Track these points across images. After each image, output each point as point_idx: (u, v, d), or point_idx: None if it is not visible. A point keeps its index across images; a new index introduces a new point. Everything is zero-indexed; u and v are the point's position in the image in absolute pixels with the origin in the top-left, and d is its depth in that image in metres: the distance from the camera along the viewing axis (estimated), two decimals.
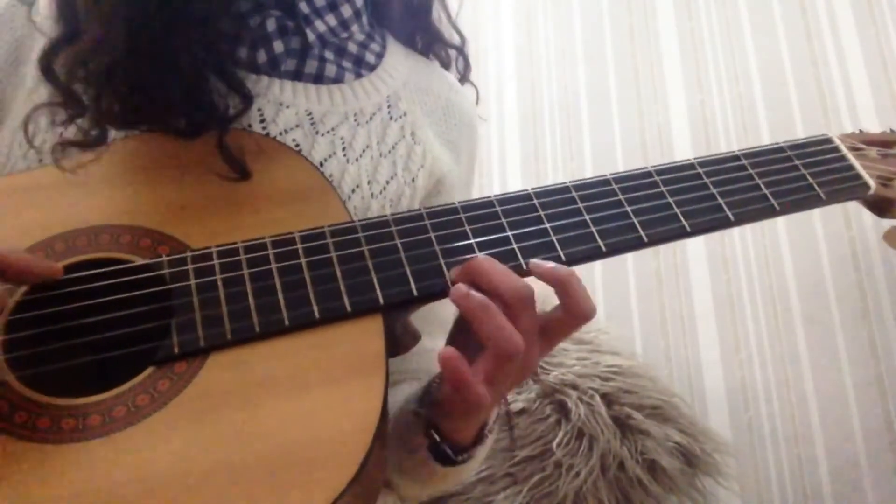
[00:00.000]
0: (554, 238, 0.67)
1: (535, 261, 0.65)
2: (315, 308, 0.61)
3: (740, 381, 1.56)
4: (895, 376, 1.43)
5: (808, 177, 0.75)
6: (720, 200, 0.71)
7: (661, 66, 1.88)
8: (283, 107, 0.78)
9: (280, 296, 0.61)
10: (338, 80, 0.82)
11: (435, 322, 0.83)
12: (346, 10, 0.83)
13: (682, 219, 0.70)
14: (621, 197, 0.70)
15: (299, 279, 0.62)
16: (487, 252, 0.65)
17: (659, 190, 0.71)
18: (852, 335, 1.49)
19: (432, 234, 0.66)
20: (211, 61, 0.71)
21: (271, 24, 0.78)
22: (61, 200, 0.66)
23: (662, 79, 1.87)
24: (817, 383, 1.49)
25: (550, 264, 0.64)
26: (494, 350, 0.60)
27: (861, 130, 0.84)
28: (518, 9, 2.13)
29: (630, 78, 1.91)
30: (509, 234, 0.67)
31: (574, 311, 0.63)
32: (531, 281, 0.63)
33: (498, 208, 0.68)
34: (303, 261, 0.63)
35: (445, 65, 0.98)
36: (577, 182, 0.71)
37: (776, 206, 0.72)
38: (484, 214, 0.68)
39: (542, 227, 0.68)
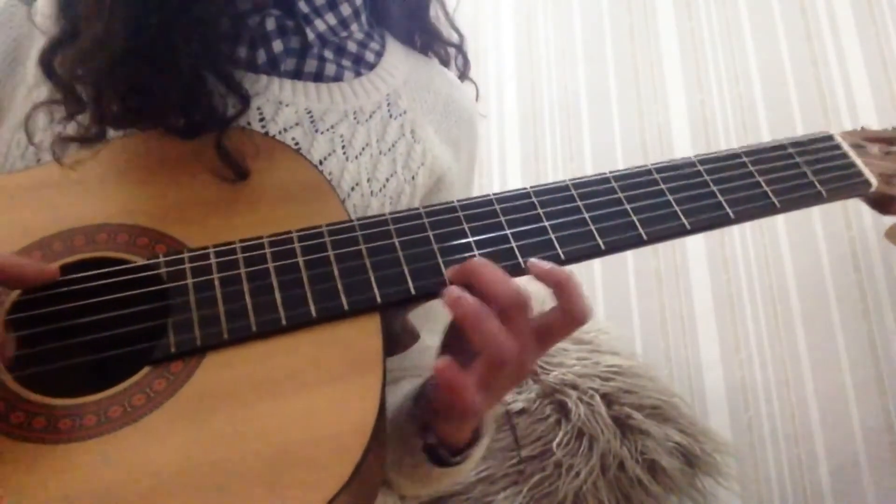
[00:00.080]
0: (553, 236, 0.67)
1: (533, 260, 0.64)
2: (312, 307, 0.61)
3: (740, 381, 1.56)
4: (895, 376, 1.43)
5: (810, 174, 0.75)
6: (720, 198, 0.71)
7: (661, 66, 1.88)
8: (283, 105, 0.78)
9: (277, 295, 0.61)
10: (337, 78, 0.82)
11: (434, 319, 0.83)
12: (346, 9, 0.83)
13: (681, 216, 0.69)
14: (621, 195, 0.70)
15: (296, 278, 0.62)
16: (486, 251, 0.65)
17: (659, 188, 0.71)
18: (852, 335, 1.49)
19: (430, 233, 0.66)
20: (209, 61, 0.71)
21: (271, 24, 0.78)
22: (59, 200, 0.66)
23: (662, 79, 1.87)
24: (817, 383, 1.49)
25: (549, 265, 0.64)
26: (487, 356, 0.60)
27: (863, 127, 0.83)
28: (518, 9, 2.13)
29: (630, 78, 1.91)
30: (507, 232, 0.67)
31: (571, 314, 0.63)
32: (529, 280, 0.63)
33: (496, 206, 0.68)
34: (300, 260, 0.63)
35: (444, 63, 0.98)
36: (576, 180, 0.71)
37: (777, 203, 0.72)
38: (482, 213, 0.68)
39: (540, 225, 0.67)
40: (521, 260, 0.65)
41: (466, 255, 0.65)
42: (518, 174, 1.96)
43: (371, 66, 0.86)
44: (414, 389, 0.75)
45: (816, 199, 0.74)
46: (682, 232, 0.69)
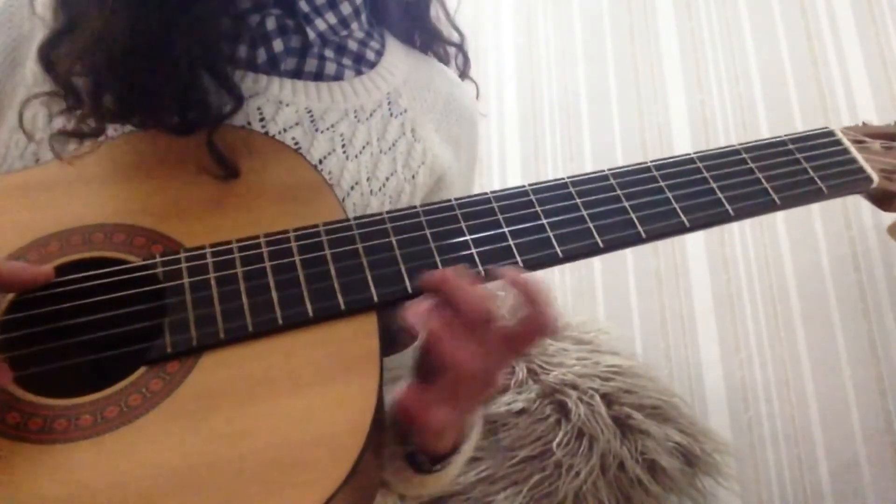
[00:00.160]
0: (551, 234, 0.67)
1: (505, 268, 0.64)
2: (309, 307, 0.61)
3: (740, 381, 1.55)
4: (895, 376, 1.43)
5: (810, 170, 0.74)
6: (720, 195, 0.71)
7: (661, 66, 1.88)
8: (283, 105, 0.77)
9: (274, 294, 0.61)
10: (338, 77, 0.82)
11: None
12: (346, 8, 0.83)
13: (680, 214, 0.69)
14: (619, 192, 0.70)
15: (293, 277, 0.62)
16: (483, 249, 0.65)
17: (657, 185, 0.71)
18: (852, 335, 1.49)
19: (427, 232, 0.66)
20: (206, 60, 0.71)
21: (271, 23, 0.78)
22: (56, 200, 0.65)
23: (662, 79, 1.86)
24: (817, 383, 1.49)
25: (519, 273, 0.63)
26: (450, 372, 0.59)
27: (864, 123, 0.83)
28: (518, 9, 2.13)
29: (630, 78, 1.91)
30: (505, 230, 0.67)
31: (538, 324, 0.62)
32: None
33: (494, 205, 0.68)
34: (297, 259, 0.63)
35: (444, 62, 0.98)
36: (575, 178, 0.71)
37: (777, 200, 0.72)
38: (480, 211, 0.68)
39: (538, 223, 0.67)
40: (519, 259, 0.65)
41: (464, 253, 0.65)
42: (518, 174, 1.96)
43: (371, 65, 0.86)
44: (392, 398, 0.74)
45: (817, 196, 0.73)
46: (682, 229, 0.69)
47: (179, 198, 0.67)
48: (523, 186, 0.70)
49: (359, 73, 0.84)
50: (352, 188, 0.79)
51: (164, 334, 0.59)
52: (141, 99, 0.69)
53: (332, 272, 0.63)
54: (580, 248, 0.67)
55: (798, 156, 0.75)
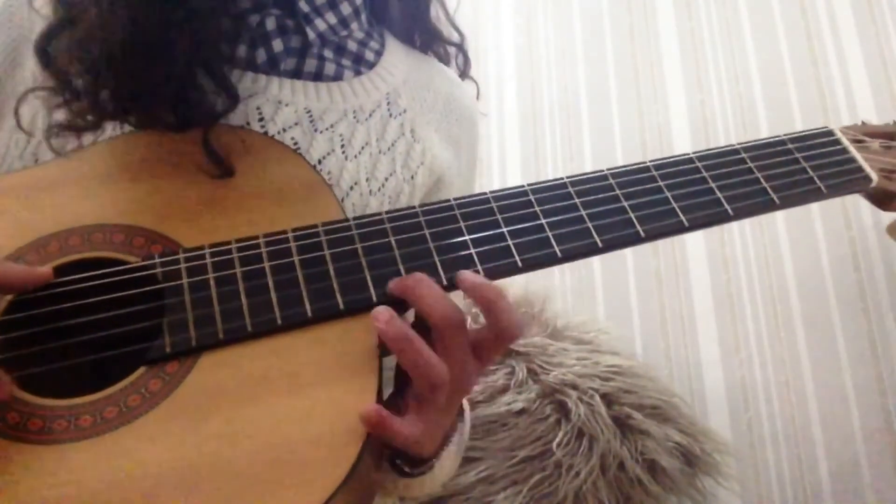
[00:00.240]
0: (549, 234, 0.66)
1: (463, 274, 0.63)
2: (308, 307, 0.61)
3: (740, 381, 1.55)
4: (895, 376, 1.43)
5: (809, 170, 0.74)
6: (719, 194, 0.71)
7: (661, 66, 1.88)
8: (282, 105, 0.77)
9: (273, 294, 0.61)
10: (337, 77, 0.82)
11: None
12: (346, 8, 0.82)
13: (679, 213, 0.69)
14: (618, 192, 0.70)
15: (292, 278, 0.62)
16: (482, 249, 0.65)
17: (656, 185, 0.71)
18: (852, 335, 1.49)
19: (426, 232, 0.66)
20: (202, 58, 0.71)
21: (271, 23, 0.78)
22: (55, 200, 0.65)
23: (662, 79, 1.87)
24: (817, 383, 1.49)
25: (477, 279, 0.63)
26: (418, 381, 0.59)
27: (863, 122, 0.83)
28: (518, 9, 2.13)
29: (630, 78, 1.91)
30: (504, 230, 0.66)
31: (500, 330, 0.62)
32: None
33: (493, 205, 0.68)
34: (296, 259, 0.63)
35: (444, 62, 0.98)
36: (574, 177, 0.71)
37: (776, 199, 0.72)
38: (479, 211, 0.68)
39: (537, 223, 0.67)
40: (518, 258, 0.65)
41: (463, 253, 0.65)
42: (518, 174, 1.96)
43: (371, 66, 0.86)
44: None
45: (816, 195, 0.73)
46: (681, 229, 0.69)
47: (178, 198, 0.67)
48: (522, 186, 0.69)
49: (358, 73, 0.84)
50: (351, 188, 0.78)
51: (163, 334, 0.59)
52: (137, 95, 0.69)
53: (331, 272, 0.63)
54: (579, 248, 0.67)
55: (797, 155, 0.75)
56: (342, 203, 0.70)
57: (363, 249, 0.64)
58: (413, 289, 0.61)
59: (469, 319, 0.64)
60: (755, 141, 0.76)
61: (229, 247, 0.63)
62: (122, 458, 0.53)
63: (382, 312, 0.59)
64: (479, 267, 0.64)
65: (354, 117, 0.81)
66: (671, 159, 0.73)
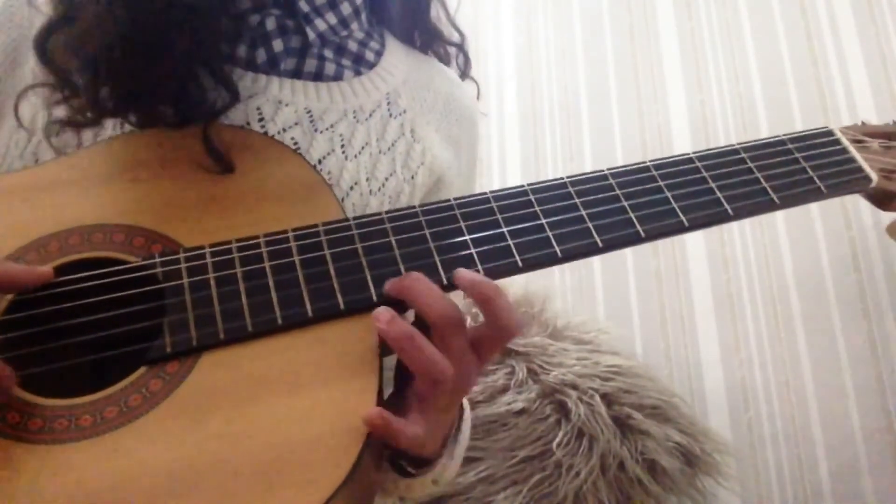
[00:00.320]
0: (549, 234, 0.66)
1: (461, 272, 0.63)
2: (308, 307, 0.61)
3: (740, 381, 1.55)
4: (895, 376, 1.43)
5: (809, 170, 0.74)
6: (719, 194, 0.71)
7: (661, 66, 1.88)
8: (282, 105, 0.77)
9: (273, 294, 0.61)
10: (337, 77, 0.82)
11: None
12: (346, 8, 0.82)
13: (679, 213, 0.69)
14: (618, 192, 0.70)
15: (292, 277, 0.62)
16: (482, 249, 0.65)
17: (657, 185, 0.71)
18: (852, 335, 1.49)
19: (427, 232, 0.66)
20: (202, 55, 0.71)
21: (271, 23, 0.78)
22: (55, 200, 0.65)
23: (662, 79, 1.87)
24: (817, 383, 1.49)
25: (475, 277, 0.63)
26: (422, 378, 0.59)
27: (863, 122, 0.83)
28: (518, 9, 2.13)
29: (630, 78, 1.91)
30: (504, 230, 0.66)
31: (499, 327, 0.62)
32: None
33: (493, 204, 0.68)
34: (296, 259, 0.63)
35: (445, 62, 0.98)
36: (574, 177, 0.70)
37: (776, 199, 0.72)
38: (479, 211, 0.68)
39: (537, 222, 0.67)
40: (518, 258, 0.65)
41: (463, 253, 0.65)
42: (518, 174, 1.96)
43: (371, 66, 0.86)
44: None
45: (816, 195, 0.73)
46: (681, 229, 0.69)
47: (179, 198, 0.67)
48: (522, 186, 0.69)
49: (358, 73, 0.84)
50: (351, 188, 0.78)
51: (163, 334, 0.59)
52: (136, 92, 0.69)
53: (332, 272, 0.63)
54: (579, 248, 0.66)
55: (797, 155, 0.75)
56: (342, 203, 0.70)
57: (363, 249, 0.64)
58: (409, 288, 0.61)
59: (469, 319, 0.64)
60: (755, 141, 0.76)
61: (229, 246, 0.63)
62: (123, 458, 0.53)
63: (383, 313, 0.59)
64: (480, 267, 0.64)
65: (354, 117, 0.81)
66: (671, 159, 0.73)
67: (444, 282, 0.63)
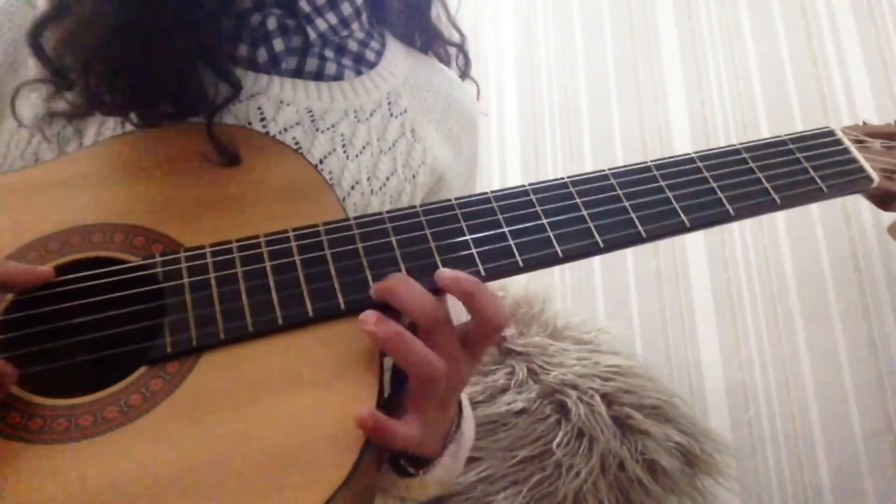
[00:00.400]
0: (550, 234, 0.66)
1: (440, 272, 0.63)
2: (309, 307, 0.60)
3: (740, 381, 1.56)
4: (895, 376, 1.43)
5: (810, 170, 0.74)
6: (720, 194, 0.70)
7: (661, 66, 1.88)
8: (284, 104, 0.77)
9: (274, 294, 0.61)
10: (338, 77, 0.82)
11: None
12: (346, 8, 0.82)
13: (680, 213, 0.69)
14: (619, 192, 0.70)
15: (293, 277, 0.62)
16: (483, 249, 0.65)
17: (658, 185, 0.71)
18: (852, 335, 1.49)
19: (427, 231, 0.66)
20: (200, 48, 0.71)
21: (272, 23, 0.78)
22: (55, 199, 0.65)
23: (662, 79, 1.87)
24: (817, 383, 1.49)
25: (456, 274, 0.62)
26: (415, 376, 0.59)
27: (864, 122, 0.83)
28: (518, 9, 2.13)
29: (630, 78, 1.91)
30: (505, 230, 0.66)
31: (485, 320, 0.62)
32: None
33: (494, 204, 0.68)
34: (297, 258, 0.63)
35: (445, 62, 0.98)
36: (575, 177, 0.70)
37: (777, 199, 0.71)
38: (480, 211, 0.67)
39: (538, 222, 0.67)
40: (519, 258, 0.65)
41: (464, 252, 0.65)
42: (518, 174, 1.96)
43: (371, 65, 0.86)
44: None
45: (817, 196, 0.73)
46: (682, 229, 0.69)
47: (179, 198, 0.67)
48: (523, 186, 0.69)
49: (359, 73, 0.84)
50: (352, 188, 0.78)
51: (163, 334, 0.58)
52: (133, 88, 0.69)
53: (333, 272, 0.62)
54: (580, 248, 0.66)
55: (798, 155, 0.75)
56: (343, 203, 0.70)
57: (364, 249, 0.64)
58: (391, 290, 0.61)
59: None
60: (756, 141, 0.76)
61: (230, 246, 0.63)
62: (123, 458, 0.53)
63: (369, 315, 0.59)
64: (481, 267, 0.64)
65: (355, 117, 0.81)
66: (672, 159, 0.73)
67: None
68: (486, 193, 0.69)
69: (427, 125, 0.87)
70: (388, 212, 0.67)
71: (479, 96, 0.99)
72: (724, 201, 0.70)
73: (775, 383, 1.52)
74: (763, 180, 0.72)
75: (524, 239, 0.66)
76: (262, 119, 0.76)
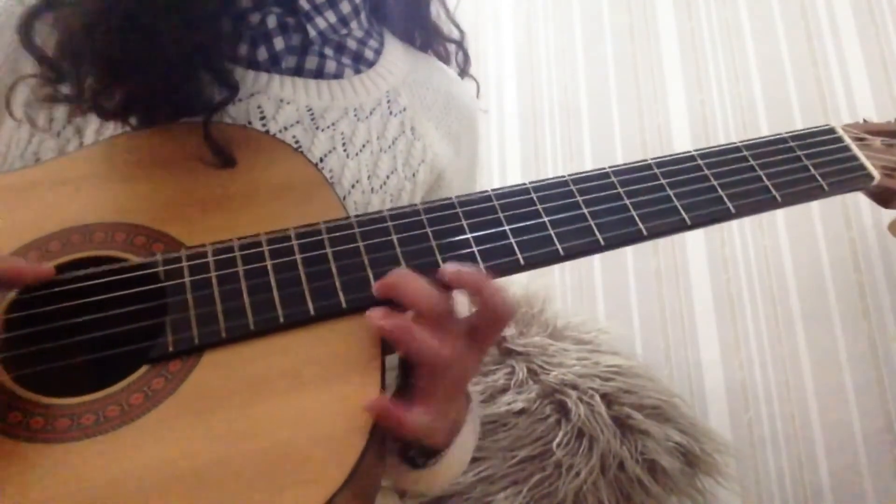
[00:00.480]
0: (552, 232, 0.66)
1: (444, 267, 0.63)
2: (310, 305, 0.60)
3: (740, 381, 1.55)
4: (895, 376, 1.43)
5: (811, 167, 0.74)
6: (721, 192, 0.71)
7: (661, 66, 1.88)
8: (284, 103, 0.78)
9: (275, 293, 0.61)
10: (338, 76, 0.82)
11: None
12: (346, 7, 0.83)
13: (681, 211, 0.69)
14: (620, 190, 0.70)
15: (294, 276, 0.62)
16: (484, 247, 0.65)
17: (658, 182, 0.71)
18: (852, 335, 1.49)
19: (428, 230, 0.66)
20: (202, 54, 0.71)
21: (272, 21, 0.78)
22: (56, 199, 0.65)
23: (662, 79, 1.87)
24: (817, 383, 1.49)
25: (459, 268, 0.63)
26: (424, 367, 0.59)
27: (865, 120, 0.83)
28: (518, 9, 2.13)
29: (630, 78, 1.91)
30: (506, 228, 0.66)
31: (492, 311, 0.62)
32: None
33: (495, 203, 0.68)
34: (298, 257, 0.63)
35: (444, 60, 0.98)
36: (576, 175, 0.70)
37: (778, 197, 0.71)
38: (480, 209, 0.67)
39: (539, 220, 0.67)
40: (520, 256, 0.65)
41: (465, 251, 0.65)
42: (518, 174, 1.96)
43: (371, 64, 0.86)
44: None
45: (818, 193, 0.73)
46: (683, 227, 0.69)
47: (180, 197, 0.67)
48: (524, 184, 0.69)
49: (358, 71, 0.84)
50: (352, 186, 0.79)
51: (165, 333, 0.58)
52: (133, 93, 0.69)
53: (334, 270, 0.62)
54: (581, 246, 0.66)
55: (799, 153, 0.75)
56: (344, 201, 0.70)
57: (365, 248, 0.64)
58: (395, 285, 0.61)
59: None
60: (757, 139, 0.76)
61: (231, 245, 0.63)
62: (125, 458, 0.53)
63: (376, 311, 0.59)
64: (482, 265, 0.64)
65: (355, 115, 0.81)
66: (673, 157, 0.73)
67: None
68: (486, 192, 0.69)
69: (426, 123, 0.87)
70: (388, 210, 0.67)
71: (478, 94, 0.99)
72: (725, 199, 0.70)
73: (775, 383, 1.52)
74: (764, 178, 0.72)
75: (525, 237, 0.66)
76: (262, 118, 0.76)
